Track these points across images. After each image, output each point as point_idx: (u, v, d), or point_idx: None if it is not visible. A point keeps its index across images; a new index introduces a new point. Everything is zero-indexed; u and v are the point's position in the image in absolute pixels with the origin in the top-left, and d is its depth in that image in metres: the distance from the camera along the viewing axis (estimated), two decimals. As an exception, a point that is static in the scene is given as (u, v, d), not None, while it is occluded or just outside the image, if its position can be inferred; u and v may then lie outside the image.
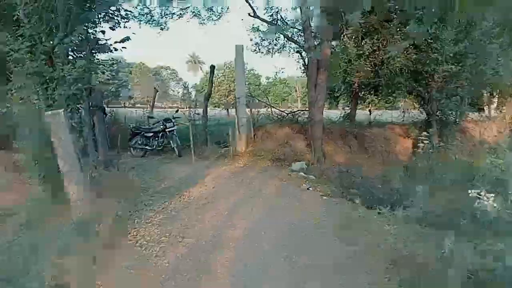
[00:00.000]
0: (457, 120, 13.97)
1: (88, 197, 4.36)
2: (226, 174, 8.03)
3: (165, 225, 4.66)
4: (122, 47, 7.02)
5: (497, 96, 21.35)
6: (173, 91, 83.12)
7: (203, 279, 3.59)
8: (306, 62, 10.48)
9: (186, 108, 10.77)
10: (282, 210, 5.36)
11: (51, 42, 5.16)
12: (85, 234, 4.00)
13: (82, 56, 7.36)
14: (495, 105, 23.60)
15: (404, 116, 14.95)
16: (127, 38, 6.65)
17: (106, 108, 7.98)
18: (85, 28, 6.41)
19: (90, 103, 7.45)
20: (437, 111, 13.35)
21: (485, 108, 21.50)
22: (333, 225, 4.82)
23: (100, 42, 9.07)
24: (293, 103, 74.34)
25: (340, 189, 7.77)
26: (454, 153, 12.20)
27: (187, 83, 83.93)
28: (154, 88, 15.44)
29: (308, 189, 7.10)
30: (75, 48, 6.83)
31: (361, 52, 10.48)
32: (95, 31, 7.53)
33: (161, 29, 12.13)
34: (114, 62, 11.13)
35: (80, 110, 6.41)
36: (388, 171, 10.92)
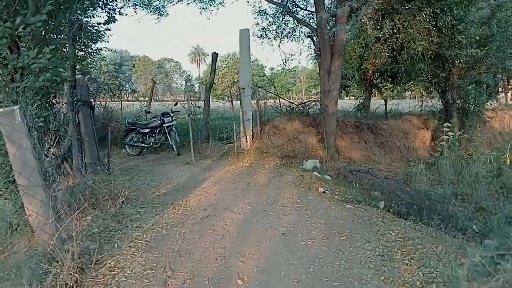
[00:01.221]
0: (479, 109, 12.87)
1: (52, 217, 3.38)
2: (230, 176, 7.04)
3: (152, 250, 3.67)
4: (106, 29, 6.02)
5: (513, 82, 20.25)
6: (176, 83, 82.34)
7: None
8: (318, 48, 9.39)
9: (186, 100, 9.79)
10: (301, 230, 4.30)
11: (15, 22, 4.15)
12: (37, 274, 3.04)
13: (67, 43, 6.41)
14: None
15: (422, 105, 13.86)
16: (112, 19, 5.60)
17: (93, 103, 6.99)
18: (61, 8, 5.38)
19: (74, 97, 6.47)
20: (457, 100, 12.28)
21: (502, 95, 20.35)
22: (380, 260, 3.58)
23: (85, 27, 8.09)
24: (297, 93, 73.33)
25: (361, 192, 6.80)
26: (477, 146, 11.17)
27: (190, 75, 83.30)
28: (152, 79, 14.41)
29: (324, 192, 6.11)
30: (55, 33, 5.83)
31: (380, 35, 9.36)
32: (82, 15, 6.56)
33: (160, 15, 11.10)
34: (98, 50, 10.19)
35: (56, 106, 5.42)
36: (408, 168, 9.92)
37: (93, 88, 12.94)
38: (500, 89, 18.12)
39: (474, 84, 12.07)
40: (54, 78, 4.29)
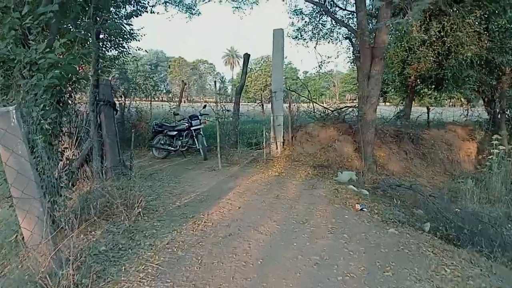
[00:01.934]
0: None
1: (49, 235, 2.95)
2: (258, 186, 6.50)
3: (163, 278, 3.17)
4: (129, 24, 5.62)
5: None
6: (210, 85, 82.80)
7: None
8: (358, 51, 8.73)
9: (217, 103, 9.32)
10: (337, 260, 3.68)
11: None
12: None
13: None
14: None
15: (467, 115, 12.81)
16: (135, 13, 5.21)
17: (117, 104, 6.64)
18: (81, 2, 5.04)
19: (96, 97, 6.12)
20: (507, 110, 11.23)
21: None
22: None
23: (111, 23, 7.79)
24: (331, 98, 72.02)
25: (402, 210, 6.09)
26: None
27: (224, 77, 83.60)
28: (182, 81, 14.11)
29: (362, 210, 5.46)
30: (74, 26, 5.51)
31: (426, 37, 8.57)
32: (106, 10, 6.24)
33: (191, 13, 10.75)
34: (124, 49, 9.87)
35: (72, 107, 5.05)
36: (453, 184, 9.05)
37: (123, 88, 12.80)
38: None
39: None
40: (67, 75, 3.90)
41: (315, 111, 9.99)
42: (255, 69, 74.22)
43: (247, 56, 10.25)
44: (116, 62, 16.22)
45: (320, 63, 10.45)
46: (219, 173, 7.60)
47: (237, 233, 4.28)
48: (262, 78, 70.36)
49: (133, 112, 12.64)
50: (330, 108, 9.92)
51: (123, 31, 14.71)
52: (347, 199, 5.92)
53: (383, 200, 6.41)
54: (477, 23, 8.63)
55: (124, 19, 5.41)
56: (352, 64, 12.93)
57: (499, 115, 11.11)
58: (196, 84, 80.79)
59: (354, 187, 6.80)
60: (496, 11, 8.73)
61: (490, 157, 8.91)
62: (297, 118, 9.53)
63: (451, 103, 19.27)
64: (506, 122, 11.11)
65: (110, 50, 15.42)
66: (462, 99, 14.09)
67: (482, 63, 9.37)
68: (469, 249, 4.51)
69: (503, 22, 8.54)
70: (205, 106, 9.66)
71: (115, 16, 14.05)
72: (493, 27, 8.71)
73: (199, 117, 9.40)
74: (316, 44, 10.57)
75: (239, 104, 10.15)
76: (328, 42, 10.71)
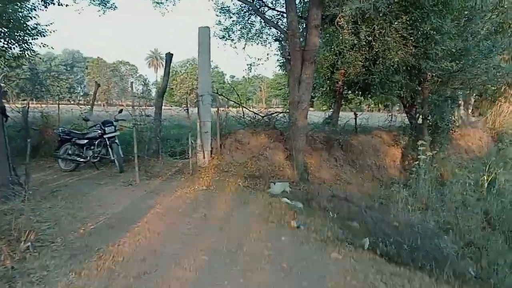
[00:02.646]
0: (449, 125, 12.29)
1: None
2: (182, 204, 5.68)
3: None
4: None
5: (473, 99, 20.21)
6: (132, 88, 78.66)
7: None
8: (288, 53, 8.30)
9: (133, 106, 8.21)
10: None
11: None
12: None
13: None
14: (470, 109, 22.51)
15: (391, 120, 13.11)
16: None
17: (6, 109, 5.30)
18: None
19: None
20: (428, 116, 11.63)
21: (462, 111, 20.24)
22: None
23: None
24: (257, 103, 72.62)
25: (338, 223, 5.68)
26: (452, 166, 10.57)
27: (147, 79, 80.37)
28: (95, 82, 12.63)
29: (299, 227, 4.93)
30: None
31: (356, 41, 8.38)
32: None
33: (105, 6, 9.56)
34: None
35: None
36: (384, 191, 8.99)
37: (28, 88, 11.14)
38: (461, 104, 17.93)
39: (445, 100, 11.45)
40: None
41: (245, 116, 9.35)
42: (180, 71, 72.35)
43: (169, 56, 9.30)
44: (20, 61, 14.30)
45: (249, 66, 9.87)
46: (136, 188, 6.61)
47: (155, 270, 3.44)
48: (188, 81, 68.68)
49: (38, 117, 11.03)
50: (261, 114, 9.35)
51: (25, 25, 12.93)
52: (282, 215, 5.36)
53: (318, 214, 5.96)
54: (404, 28, 8.65)
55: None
56: (281, 68, 12.58)
57: (422, 120, 11.42)
58: (116, 87, 76.57)
59: (288, 199, 6.28)
60: (421, 18, 8.83)
61: (416, 163, 8.98)
62: (225, 124, 8.82)
63: (369, 109, 19.93)
64: (427, 127, 11.45)
65: (13, 48, 13.52)
66: (380, 105, 14.47)
67: (408, 68, 9.46)
68: (410, 266, 4.18)
69: (428, 29, 8.65)
70: (121, 111, 8.51)
71: (16, 8, 12.27)
72: (419, 33, 8.79)
73: (114, 123, 8.28)
74: (245, 45, 10.00)
75: (161, 109, 9.16)
76: (258, 44, 10.17)
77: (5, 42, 13.13)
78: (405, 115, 12.22)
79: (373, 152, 11.08)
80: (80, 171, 8.31)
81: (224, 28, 10.04)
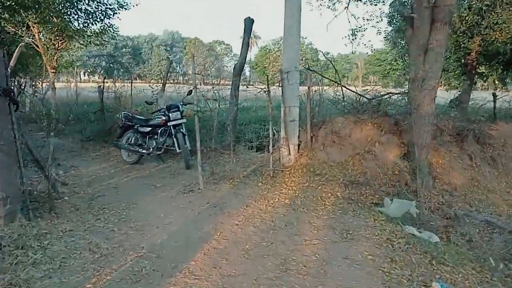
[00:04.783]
0: None
1: None
2: (252, 234, 3.80)
3: None
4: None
5: None
6: (227, 67, 79.42)
7: None
8: (410, 11, 5.86)
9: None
10: None
11: None
12: None
13: None
14: None
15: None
16: None
17: (14, 92, 3.85)
18: None
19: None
20: None
21: None
22: None
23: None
24: (353, 81, 67.87)
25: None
26: None
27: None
28: (168, 58, 11.28)
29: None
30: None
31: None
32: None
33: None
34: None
35: None
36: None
37: (105, 67, 10.21)
38: None
39: None
40: None
41: (345, 99, 7.00)
42: (273, 49, 70.39)
43: (249, 22, 7.28)
44: (102, 38, 13.70)
45: (353, 31, 7.45)
46: (198, 197, 4.91)
47: None
48: (281, 59, 66.27)
49: (111, 98, 10.10)
50: (366, 96, 6.91)
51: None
52: (411, 264, 3.20)
53: (469, 257, 3.66)
54: None
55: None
56: (387, 40, 9.85)
57: None
58: (212, 66, 77.77)
59: (416, 231, 4.04)
60: None
61: None
62: (318, 109, 6.65)
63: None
64: None
65: (94, 24, 12.88)
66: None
67: None
68: None
69: None
70: (190, 92, 6.82)
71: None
72: None
73: (180, 107, 6.70)
74: (349, 2, 7.51)
75: (237, 90, 7.32)
76: (364, 3, 7.65)
77: (86, 18, 12.49)
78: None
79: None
80: (143, 164, 6.98)
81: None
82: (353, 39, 7.59)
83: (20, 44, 4.31)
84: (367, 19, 7.81)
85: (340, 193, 5.13)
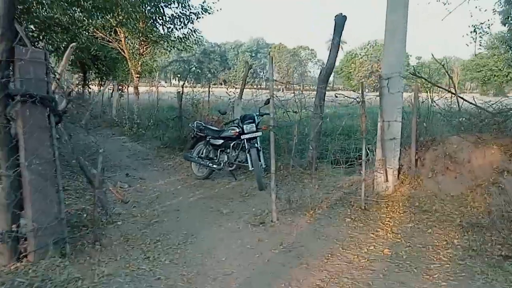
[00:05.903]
0: None
1: None
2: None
3: None
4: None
5: None
6: (310, 72, 78.25)
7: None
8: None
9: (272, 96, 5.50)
10: None
11: None
12: None
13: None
14: None
15: None
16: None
17: (55, 101, 3.17)
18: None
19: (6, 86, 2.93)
20: None
21: None
22: None
23: None
24: (448, 88, 62.25)
25: None
26: None
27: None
28: (246, 62, 10.58)
29: None
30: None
31: None
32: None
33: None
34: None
35: None
36: None
37: (189, 73, 9.91)
38: None
39: None
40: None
41: (461, 112, 5.48)
42: (360, 54, 67.54)
43: (340, 20, 6.13)
44: (186, 43, 13.62)
45: (474, 28, 5.96)
46: (269, 233, 3.95)
47: None
48: (368, 64, 63.53)
49: (189, 104, 9.70)
50: (489, 109, 5.32)
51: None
52: None
53: None
54: None
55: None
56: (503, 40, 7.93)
57: None
58: (296, 71, 77.15)
59: None
60: None
61: None
62: (426, 125, 5.29)
63: None
64: None
65: (178, 29, 12.84)
66: None
67: None
68: None
69: None
70: (267, 102, 5.85)
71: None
72: None
73: (256, 118, 5.82)
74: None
75: (323, 99, 6.20)
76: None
77: (171, 23, 12.44)
78: None
79: None
80: (213, 181, 6.25)
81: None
82: (475, 35, 6.07)
83: (71, 45, 3.72)
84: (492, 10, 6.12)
85: (457, 239, 3.82)
